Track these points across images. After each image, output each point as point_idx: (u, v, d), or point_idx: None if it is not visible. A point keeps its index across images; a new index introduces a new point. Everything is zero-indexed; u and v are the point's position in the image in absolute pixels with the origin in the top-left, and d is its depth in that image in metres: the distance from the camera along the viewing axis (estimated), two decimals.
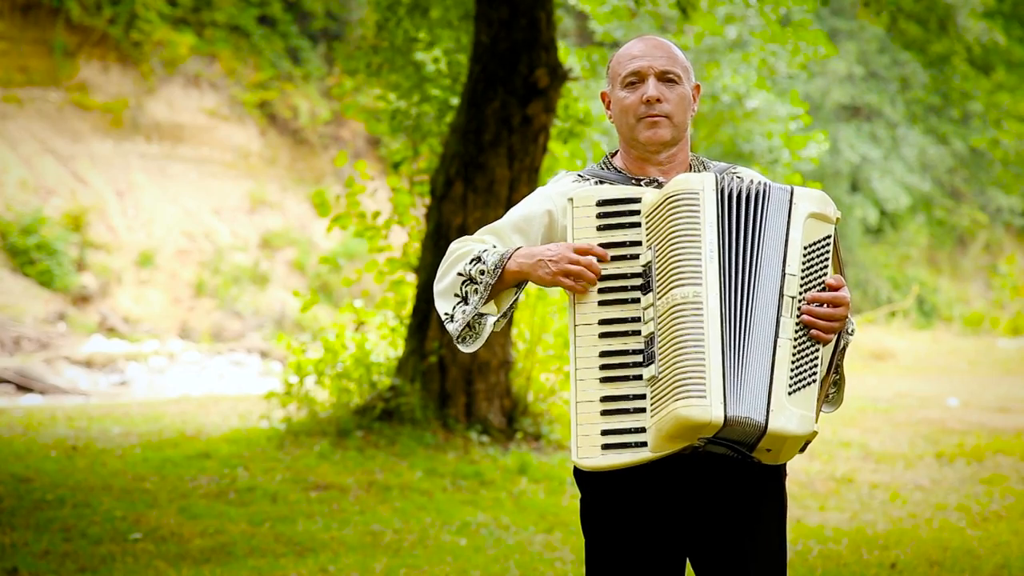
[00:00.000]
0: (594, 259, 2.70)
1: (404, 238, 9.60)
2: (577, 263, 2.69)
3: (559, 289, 10.25)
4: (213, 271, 19.83)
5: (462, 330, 2.80)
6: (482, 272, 2.77)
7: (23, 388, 14.00)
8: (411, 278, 9.37)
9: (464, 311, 2.79)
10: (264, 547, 6.09)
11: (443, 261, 2.86)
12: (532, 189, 8.81)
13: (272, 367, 16.55)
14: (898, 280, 24.77)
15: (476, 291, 2.78)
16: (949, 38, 17.80)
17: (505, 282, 2.78)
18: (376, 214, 9.59)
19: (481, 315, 2.80)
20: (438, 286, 2.85)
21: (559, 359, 9.33)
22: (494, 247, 2.81)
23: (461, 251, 2.84)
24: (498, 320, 2.81)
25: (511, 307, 2.83)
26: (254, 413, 9.72)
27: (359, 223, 9.55)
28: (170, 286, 19.46)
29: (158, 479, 7.46)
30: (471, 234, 3.01)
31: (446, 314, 2.82)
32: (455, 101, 9.38)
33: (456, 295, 2.80)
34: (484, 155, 8.68)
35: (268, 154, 21.75)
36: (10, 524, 6.29)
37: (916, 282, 24.43)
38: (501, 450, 8.54)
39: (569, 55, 9.99)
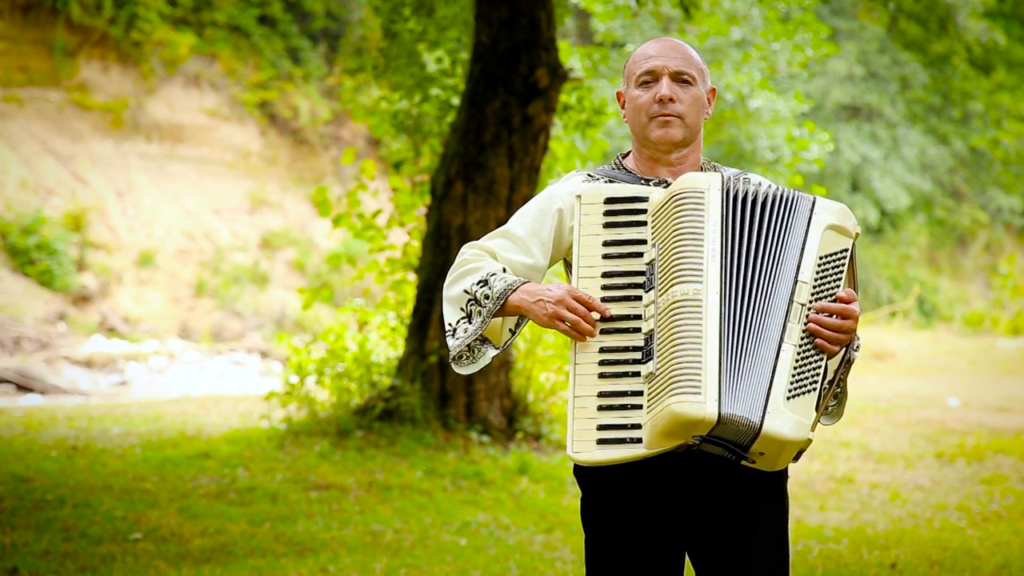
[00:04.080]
0: (593, 312, 2.70)
1: (404, 238, 9.61)
2: (575, 311, 2.69)
3: None
4: (213, 271, 19.83)
5: (461, 351, 2.82)
6: (487, 296, 2.78)
7: (23, 388, 14.00)
8: (411, 278, 9.37)
9: (467, 330, 2.81)
10: (264, 547, 6.09)
11: (454, 266, 2.87)
12: (532, 189, 8.81)
13: (272, 367, 16.55)
14: (898, 280, 24.77)
15: (479, 313, 2.79)
16: (949, 38, 17.79)
17: (507, 311, 2.80)
18: (376, 213, 9.59)
19: (484, 341, 2.82)
20: (447, 292, 2.87)
21: (559, 359, 9.33)
22: (503, 271, 2.82)
23: (472, 265, 2.85)
24: (497, 351, 2.84)
25: (509, 342, 2.86)
26: (254, 413, 9.72)
27: (363, 222, 9.55)
28: (170, 286, 19.46)
29: (158, 479, 7.46)
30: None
31: (450, 324, 2.84)
32: (456, 101, 9.38)
33: (462, 309, 2.83)
34: (484, 155, 8.68)
35: (268, 154, 21.75)
36: (10, 524, 6.29)
37: (916, 282, 24.43)
38: (501, 450, 8.54)
39: (572, 55, 9.98)
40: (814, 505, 7.59)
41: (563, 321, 2.71)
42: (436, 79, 9.50)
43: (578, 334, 2.71)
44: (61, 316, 17.76)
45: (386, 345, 9.37)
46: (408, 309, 9.18)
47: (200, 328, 18.98)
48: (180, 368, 16.54)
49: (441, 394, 8.79)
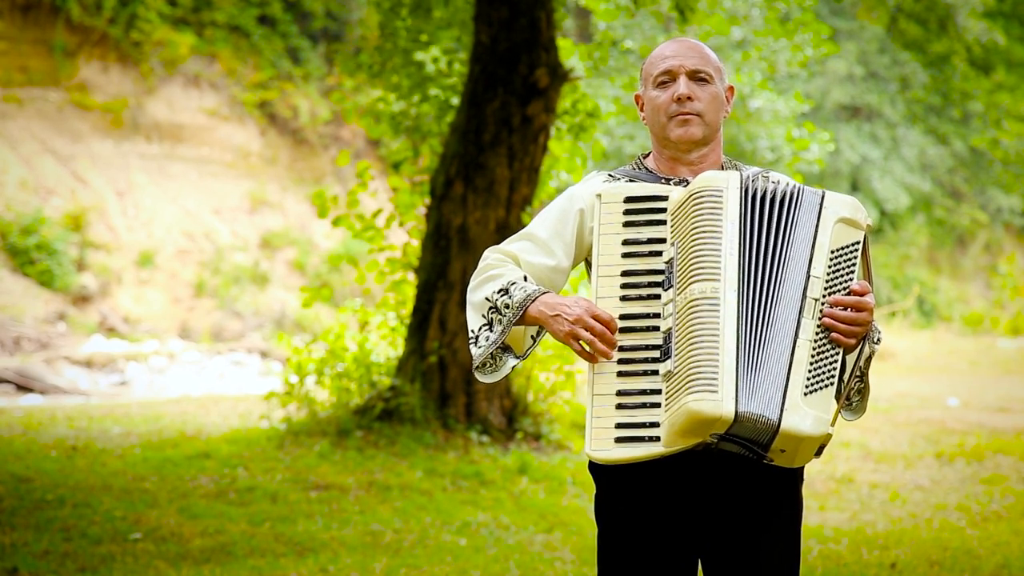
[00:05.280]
0: (608, 331, 2.70)
1: (404, 238, 9.60)
2: (591, 330, 2.70)
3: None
4: (213, 271, 19.83)
5: (484, 359, 2.83)
6: (507, 306, 2.79)
7: (23, 388, 14.00)
8: (411, 278, 9.37)
9: (489, 339, 2.81)
10: (264, 547, 6.09)
11: (477, 271, 2.89)
12: (532, 189, 8.80)
13: (272, 367, 16.55)
14: (898, 280, 24.77)
15: (500, 321, 2.80)
16: (949, 38, 17.82)
17: (526, 322, 2.80)
18: (376, 213, 9.59)
19: (505, 350, 2.82)
20: (470, 297, 2.88)
21: (559, 359, 9.33)
22: (524, 279, 2.82)
23: (493, 272, 2.86)
24: (519, 361, 2.85)
25: (530, 350, 2.87)
26: (254, 413, 9.72)
27: (362, 222, 9.55)
28: (170, 286, 19.46)
29: (158, 479, 7.46)
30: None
31: (472, 332, 2.85)
32: (455, 101, 9.38)
33: (483, 316, 2.84)
34: (484, 155, 8.68)
35: (268, 154, 21.75)
36: (10, 524, 6.29)
37: (916, 282, 24.43)
38: (501, 450, 8.54)
39: (573, 54, 9.97)
40: (814, 505, 7.59)
41: (577, 341, 2.71)
42: (434, 79, 9.50)
43: (591, 356, 2.71)
44: (61, 316, 17.76)
45: (386, 345, 9.37)
46: (408, 309, 9.18)
47: (200, 328, 18.98)
48: (180, 368, 16.54)
49: (441, 394, 8.79)
